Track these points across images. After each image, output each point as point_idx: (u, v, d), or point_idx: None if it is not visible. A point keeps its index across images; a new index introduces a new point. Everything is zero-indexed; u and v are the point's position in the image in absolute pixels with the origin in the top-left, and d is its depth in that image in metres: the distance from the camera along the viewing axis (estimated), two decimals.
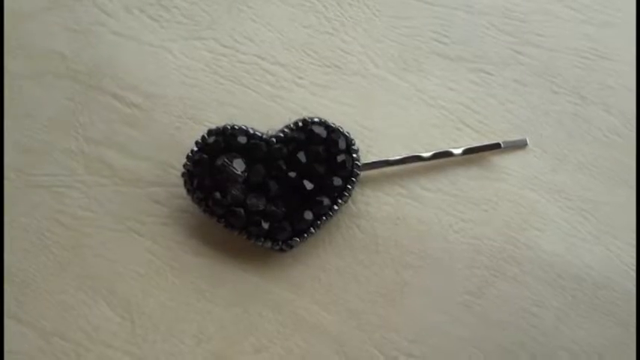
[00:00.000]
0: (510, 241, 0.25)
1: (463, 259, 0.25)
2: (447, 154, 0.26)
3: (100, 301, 0.24)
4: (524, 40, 0.29)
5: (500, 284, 0.25)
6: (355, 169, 0.25)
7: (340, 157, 0.25)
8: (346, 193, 0.25)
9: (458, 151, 0.26)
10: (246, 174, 0.25)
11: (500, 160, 0.27)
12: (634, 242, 0.25)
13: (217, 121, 0.27)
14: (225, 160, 0.25)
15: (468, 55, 0.29)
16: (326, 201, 0.25)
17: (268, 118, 0.27)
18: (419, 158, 0.26)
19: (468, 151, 0.26)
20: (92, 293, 0.25)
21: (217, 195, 0.24)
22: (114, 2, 0.30)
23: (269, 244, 0.24)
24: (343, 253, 0.25)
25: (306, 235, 0.25)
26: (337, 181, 0.25)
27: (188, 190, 0.25)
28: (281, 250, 0.25)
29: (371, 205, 0.26)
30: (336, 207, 0.25)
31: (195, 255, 0.25)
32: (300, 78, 0.28)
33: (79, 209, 0.26)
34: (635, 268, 0.23)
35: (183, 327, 0.24)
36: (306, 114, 0.26)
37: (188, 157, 0.25)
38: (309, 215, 0.24)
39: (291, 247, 0.25)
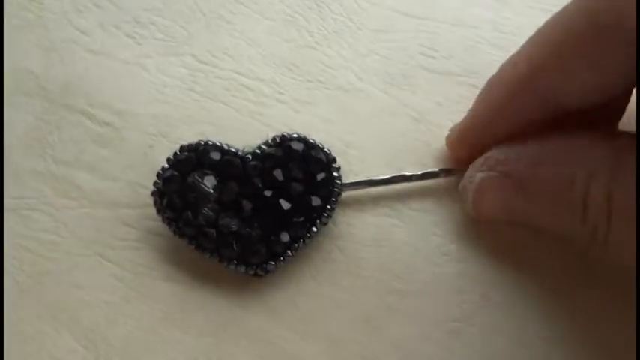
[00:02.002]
0: (501, 264, 0.24)
1: (451, 283, 0.23)
2: (434, 174, 0.25)
3: (62, 330, 0.23)
4: None
5: (490, 310, 0.23)
6: (336, 189, 0.24)
7: (320, 176, 0.24)
8: (326, 214, 0.23)
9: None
10: (218, 192, 0.23)
11: None
12: None
13: (192, 139, 0.26)
14: (196, 177, 0.23)
15: (456, 69, 0.28)
16: (304, 222, 0.23)
17: (247, 136, 0.26)
18: (404, 178, 0.25)
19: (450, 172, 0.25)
20: (55, 323, 0.23)
21: (188, 215, 0.23)
22: (89, 20, 0.29)
23: (242, 268, 0.23)
24: (323, 278, 0.23)
25: (282, 258, 0.23)
26: (316, 201, 0.23)
27: (158, 210, 0.23)
28: (256, 274, 0.23)
29: (353, 226, 0.24)
30: (315, 228, 0.23)
31: (165, 280, 0.24)
32: (281, 93, 0.27)
33: (45, 233, 0.24)
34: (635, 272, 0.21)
35: (151, 358, 0.22)
36: (286, 130, 0.25)
37: (158, 174, 0.24)
38: (285, 237, 0.23)
39: (267, 271, 0.23)
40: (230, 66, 0.28)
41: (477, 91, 0.27)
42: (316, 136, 0.25)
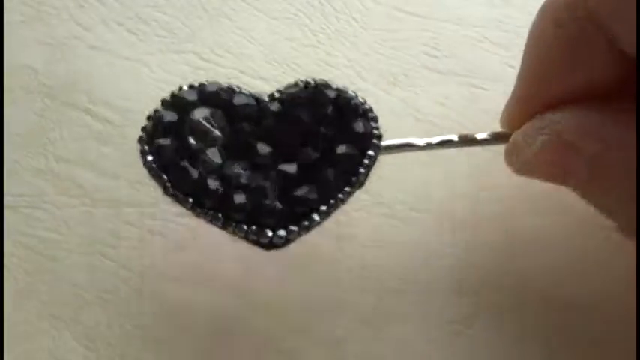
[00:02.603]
0: (502, 267, 0.24)
1: (452, 285, 0.23)
2: (478, 141, 0.23)
3: (62, 329, 0.23)
4: (518, 54, 0.28)
5: (490, 312, 0.23)
6: (374, 140, 0.19)
7: (356, 125, 0.20)
8: (363, 170, 0.19)
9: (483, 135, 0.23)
10: (225, 136, 0.19)
11: (491, 180, 0.25)
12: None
13: None
14: (196, 114, 0.19)
15: (459, 69, 0.28)
16: (336, 178, 0.19)
17: None
18: (447, 143, 0.22)
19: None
20: (55, 321, 0.23)
21: (185, 163, 0.18)
22: (91, 16, 0.29)
23: (253, 234, 0.18)
24: (323, 278, 0.23)
25: (307, 223, 0.18)
26: (351, 150, 0.19)
27: (145, 162, 0.19)
28: (271, 243, 0.18)
29: (353, 226, 0.24)
30: (348, 188, 0.19)
31: (165, 280, 0.24)
32: None
33: (45, 231, 0.24)
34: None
35: (151, 356, 0.23)
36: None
37: (149, 117, 0.20)
38: (312, 194, 0.18)
39: (286, 240, 0.18)
40: (232, 64, 0.27)
41: (479, 91, 0.27)
42: None
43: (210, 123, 0.19)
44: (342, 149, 0.19)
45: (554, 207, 0.25)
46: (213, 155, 0.19)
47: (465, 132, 0.26)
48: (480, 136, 0.23)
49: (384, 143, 0.21)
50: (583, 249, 0.24)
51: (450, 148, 0.23)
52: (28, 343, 0.23)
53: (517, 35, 0.28)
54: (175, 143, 0.19)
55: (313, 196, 0.19)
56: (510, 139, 0.22)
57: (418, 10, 0.29)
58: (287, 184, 0.19)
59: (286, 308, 0.23)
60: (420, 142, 0.22)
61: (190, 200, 0.19)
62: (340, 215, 0.24)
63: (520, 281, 0.23)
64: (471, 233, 0.24)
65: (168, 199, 0.25)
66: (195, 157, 0.19)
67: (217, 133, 0.19)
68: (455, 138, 0.22)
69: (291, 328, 0.23)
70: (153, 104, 0.26)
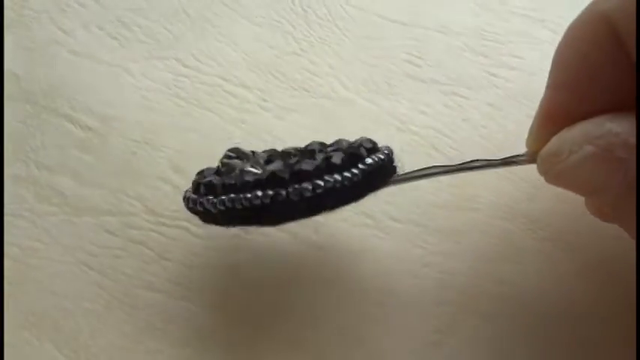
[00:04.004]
0: (482, 276, 0.24)
1: (432, 294, 0.24)
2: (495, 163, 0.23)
3: (44, 339, 0.23)
4: (501, 63, 0.28)
5: (472, 322, 0.23)
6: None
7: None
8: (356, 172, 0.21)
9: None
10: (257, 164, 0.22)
11: (471, 189, 0.25)
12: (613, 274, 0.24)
13: (176, 146, 0.26)
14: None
15: (441, 77, 0.28)
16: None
17: (230, 143, 0.26)
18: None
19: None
20: (36, 331, 0.23)
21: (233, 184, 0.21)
22: (72, 20, 0.29)
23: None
24: (305, 289, 0.24)
25: (311, 187, 0.21)
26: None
27: (195, 207, 0.21)
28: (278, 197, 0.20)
29: (335, 237, 0.24)
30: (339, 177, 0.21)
31: (147, 290, 0.24)
32: (265, 101, 0.27)
33: (26, 240, 0.24)
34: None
35: None
36: (270, 139, 0.25)
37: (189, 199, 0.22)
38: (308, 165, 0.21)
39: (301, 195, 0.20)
40: (215, 71, 0.27)
41: (461, 100, 0.27)
42: (301, 144, 0.25)
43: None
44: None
45: (532, 216, 0.25)
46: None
47: (446, 141, 0.26)
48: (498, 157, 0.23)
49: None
50: (562, 257, 0.24)
51: (472, 170, 0.23)
52: (8, 352, 0.23)
53: (499, 44, 0.29)
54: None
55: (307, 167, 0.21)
56: (549, 145, 0.21)
57: (401, 18, 0.29)
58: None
59: (266, 318, 0.23)
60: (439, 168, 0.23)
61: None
62: (320, 225, 0.25)
63: (500, 290, 0.24)
64: (451, 243, 0.25)
65: (149, 209, 0.25)
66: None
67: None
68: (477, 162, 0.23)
69: (270, 337, 0.23)
70: (135, 112, 0.27)
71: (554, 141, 0.21)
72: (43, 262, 0.24)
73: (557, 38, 0.26)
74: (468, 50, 0.29)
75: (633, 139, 0.18)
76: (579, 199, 0.22)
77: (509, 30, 0.29)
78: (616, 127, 0.19)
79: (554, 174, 0.21)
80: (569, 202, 0.25)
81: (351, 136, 0.26)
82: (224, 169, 0.22)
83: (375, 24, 0.29)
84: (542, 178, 0.22)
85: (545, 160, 0.21)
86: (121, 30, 0.28)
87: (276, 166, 0.21)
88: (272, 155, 0.22)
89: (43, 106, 0.27)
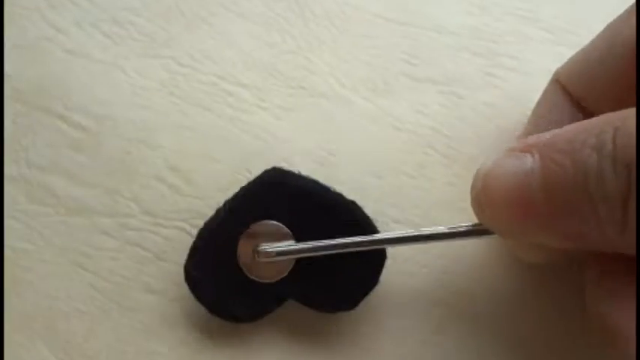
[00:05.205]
0: (481, 277, 0.24)
1: (429, 295, 0.23)
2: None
3: (37, 341, 0.22)
4: (497, 63, 0.28)
5: (466, 323, 0.23)
6: None
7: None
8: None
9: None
10: None
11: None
12: None
13: (172, 145, 0.25)
14: None
15: (438, 77, 0.28)
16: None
17: (227, 143, 0.25)
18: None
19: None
20: (29, 333, 0.22)
21: None
22: (65, 17, 0.28)
23: None
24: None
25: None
26: None
27: None
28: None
29: None
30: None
31: (145, 292, 0.23)
32: (262, 100, 0.27)
33: (18, 241, 0.24)
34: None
35: None
36: (269, 138, 0.25)
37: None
38: None
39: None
40: (211, 70, 0.27)
41: (458, 100, 0.27)
42: (298, 144, 0.25)
43: None
44: None
45: None
46: None
47: (443, 140, 0.26)
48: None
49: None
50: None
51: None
52: (1, 355, 0.22)
53: (495, 43, 0.29)
54: None
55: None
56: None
57: (398, 17, 0.29)
58: None
59: (265, 320, 0.23)
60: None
61: None
62: None
63: (500, 291, 0.24)
64: (445, 243, 0.24)
65: (145, 209, 0.24)
66: None
67: None
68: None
69: (268, 339, 0.23)
70: (129, 111, 0.26)
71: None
72: (36, 264, 0.24)
73: (553, 39, 0.26)
74: (464, 50, 0.29)
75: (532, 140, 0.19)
76: None
77: (505, 30, 0.29)
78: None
79: (476, 199, 0.20)
80: None
81: (349, 135, 0.26)
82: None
83: (371, 22, 0.29)
84: None
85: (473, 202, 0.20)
86: (115, 28, 0.28)
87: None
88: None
89: (35, 105, 0.26)
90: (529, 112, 0.27)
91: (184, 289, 0.23)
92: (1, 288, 0.23)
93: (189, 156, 0.25)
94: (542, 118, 0.24)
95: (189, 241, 0.23)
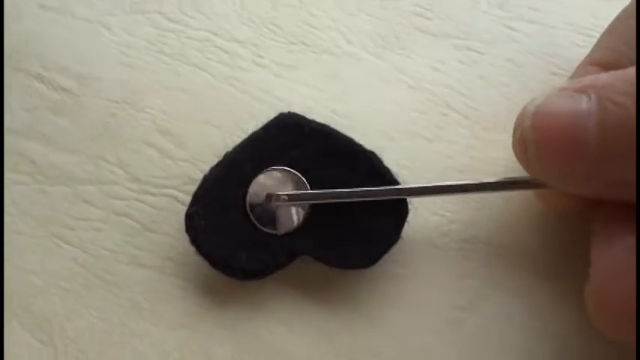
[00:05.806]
0: (505, 245, 0.21)
1: (452, 267, 0.21)
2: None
3: (13, 322, 0.20)
4: (518, 15, 0.26)
5: (494, 297, 0.21)
6: None
7: None
8: None
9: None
10: None
11: (493, 151, 0.23)
12: None
13: (162, 107, 0.23)
14: None
15: (454, 31, 0.25)
16: None
17: (222, 104, 0.23)
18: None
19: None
20: (6, 313, 0.20)
21: None
22: None
23: None
24: (313, 267, 0.21)
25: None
26: None
27: None
28: None
29: None
30: None
31: (133, 266, 0.21)
32: (261, 57, 0.24)
33: None
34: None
35: (117, 352, 0.20)
36: (267, 98, 0.22)
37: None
38: None
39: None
40: (203, 25, 0.25)
41: (476, 55, 0.25)
42: (301, 104, 0.22)
43: None
44: None
45: None
46: None
47: (460, 100, 0.24)
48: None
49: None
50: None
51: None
52: None
53: None
54: None
55: None
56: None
57: None
58: None
59: (268, 295, 0.21)
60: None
61: None
62: None
63: (524, 258, 0.21)
64: (471, 210, 0.22)
65: (132, 176, 0.22)
66: None
67: None
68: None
69: (276, 318, 0.20)
70: (114, 71, 0.24)
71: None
72: (12, 236, 0.21)
73: None
74: (483, 2, 0.26)
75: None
76: None
77: None
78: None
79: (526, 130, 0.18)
80: None
81: (357, 94, 0.24)
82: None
83: None
84: None
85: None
86: None
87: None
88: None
89: (10, 66, 0.24)
90: (556, 70, 0.25)
91: (177, 262, 0.21)
92: (1, 286, 0.20)
93: (181, 118, 0.23)
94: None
95: (180, 210, 0.21)
